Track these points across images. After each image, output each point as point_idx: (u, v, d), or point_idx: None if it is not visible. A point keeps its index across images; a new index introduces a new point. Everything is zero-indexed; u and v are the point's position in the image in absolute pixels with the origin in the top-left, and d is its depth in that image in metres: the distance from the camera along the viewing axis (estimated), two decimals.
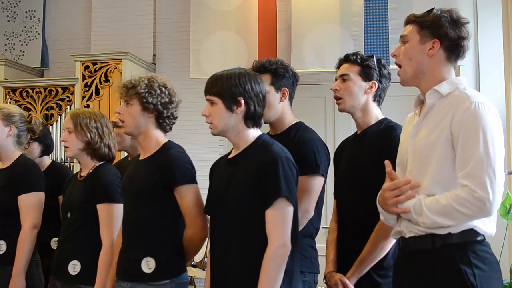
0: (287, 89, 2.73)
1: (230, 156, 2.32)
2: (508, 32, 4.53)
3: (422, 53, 2.07)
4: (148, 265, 2.45)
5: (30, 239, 2.97)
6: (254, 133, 2.28)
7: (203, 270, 4.73)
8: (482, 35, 5.11)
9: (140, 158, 2.62)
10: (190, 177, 2.48)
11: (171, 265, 2.48)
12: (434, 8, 2.11)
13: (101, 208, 2.74)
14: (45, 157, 3.66)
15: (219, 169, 2.35)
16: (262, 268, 2.08)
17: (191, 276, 4.80)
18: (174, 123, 2.64)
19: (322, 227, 5.15)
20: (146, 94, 2.52)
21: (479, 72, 5.12)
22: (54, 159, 5.05)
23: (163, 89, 2.56)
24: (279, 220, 2.11)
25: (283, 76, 2.72)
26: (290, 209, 2.14)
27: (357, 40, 5.14)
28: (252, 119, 2.25)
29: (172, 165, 2.46)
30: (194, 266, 4.81)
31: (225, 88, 2.21)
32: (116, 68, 5.49)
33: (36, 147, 3.55)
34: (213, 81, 2.26)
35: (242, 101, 2.21)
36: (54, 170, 3.59)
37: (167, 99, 2.56)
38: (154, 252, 2.45)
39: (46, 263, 3.07)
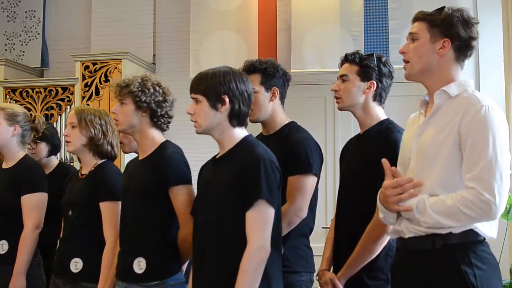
0: (277, 89, 2.73)
1: (217, 157, 2.32)
2: (508, 32, 4.54)
3: (432, 52, 2.05)
4: (139, 265, 2.45)
5: (32, 239, 2.96)
6: (240, 133, 2.27)
7: None
8: (482, 35, 5.00)
9: (139, 158, 2.62)
10: (184, 178, 2.47)
11: (162, 266, 2.46)
12: (444, 6, 2.08)
13: (105, 206, 2.74)
14: (53, 157, 3.65)
15: (207, 169, 2.34)
16: (240, 270, 2.06)
17: None
18: (169, 122, 2.63)
19: (322, 227, 5.20)
20: (139, 93, 2.52)
21: (479, 72, 5.11)
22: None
23: (157, 88, 2.56)
24: (259, 222, 2.09)
25: (273, 75, 2.72)
26: (271, 211, 2.11)
27: (357, 40, 5.14)
28: (237, 117, 2.24)
29: (166, 165, 2.47)
30: None
31: (209, 86, 2.20)
32: (116, 68, 5.49)
33: (43, 147, 3.54)
34: (198, 79, 2.25)
35: (227, 99, 2.20)
36: (61, 171, 3.57)
37: (160, 98, 2.56)
38: (147, 253, 2.45)
39: (49, 263, 3.05)
